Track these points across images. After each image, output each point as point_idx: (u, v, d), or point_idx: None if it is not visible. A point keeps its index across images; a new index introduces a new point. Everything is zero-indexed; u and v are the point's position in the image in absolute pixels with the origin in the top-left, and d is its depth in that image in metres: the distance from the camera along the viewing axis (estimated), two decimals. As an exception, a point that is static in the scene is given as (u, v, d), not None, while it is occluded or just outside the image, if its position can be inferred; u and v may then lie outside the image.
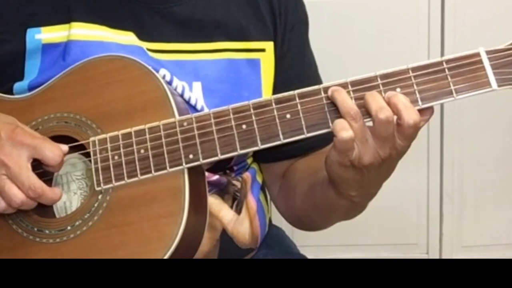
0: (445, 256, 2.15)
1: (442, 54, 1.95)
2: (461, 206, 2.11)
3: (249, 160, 1.22)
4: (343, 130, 0.90)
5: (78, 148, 1.01)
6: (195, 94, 1.10)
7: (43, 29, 1.09)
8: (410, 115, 0.89)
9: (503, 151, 2.07)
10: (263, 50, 1.15)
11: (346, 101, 0.91)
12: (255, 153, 1.20)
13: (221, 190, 1.14)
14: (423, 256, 2.15)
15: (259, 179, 1.24)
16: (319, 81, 1.21)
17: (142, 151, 0.97)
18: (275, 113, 0.94)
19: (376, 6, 2.00)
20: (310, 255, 1.28)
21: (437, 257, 2.15)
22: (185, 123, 0.96)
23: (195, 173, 0.97)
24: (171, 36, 1.11)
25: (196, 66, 1.11)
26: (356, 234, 2.10)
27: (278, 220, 1.98)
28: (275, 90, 1.15)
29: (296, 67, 1.18)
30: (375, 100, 0.90)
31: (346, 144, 0.90)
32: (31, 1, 1.10)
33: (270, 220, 1.29)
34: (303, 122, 0.93)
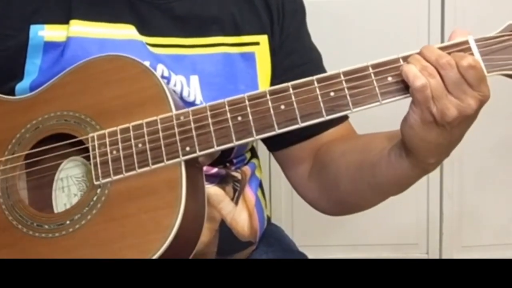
0: (445, 256, 2.15)
1: (442, 54, 1.95)
2: (461, 206, 2.12)
3: (248, 155, 1.23)
4: (417, 78, 0.91)
5: (77, 145, 1.02)
6: (193, 87, 1.11)
7: (46, 26, 1.10)
8: (462, 58, 0.90)
9: (503, 151, 2.07)
10: (257, 43, 1.17)
11: (424, 62, 0.92)
12: (269, 143, 1.22)
13: (222, 182, 1.15)
14: (423, 256, 2.15)
15: (258, 174, 1.25)
16: (321, 65, 1.22)
17: (140, 145, 0.98)
18: (270, 104, 0.96)
19: (376, 6, 2.01)
20: (310, 255, 1.28)
21: (437, 257, 2.15)
22: (181, 117, 0.98)
23: (193, 167, 0.98)
24: (169, 30, 1.13)
25: (194, 60, 1.13)
26: (356, 234, 2.10)
27: (278, 219, 1.98)
28: (279, 78, 1.15)
29: (297, 52, 1.19)
30: (432, 52, 0.92)
31: (423, 90, 0.91)
32: None
33: (269, 218, 1.30)
34: (297, 112, 0.95)
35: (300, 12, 1.22)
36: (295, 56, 1.19)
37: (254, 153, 1.26)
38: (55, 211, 1.02)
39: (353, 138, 1.17)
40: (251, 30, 1.17)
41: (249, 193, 1.20)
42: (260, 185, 1.25)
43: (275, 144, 1.20)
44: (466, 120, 0.93)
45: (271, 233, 1.28)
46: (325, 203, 1.18)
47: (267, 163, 1.90)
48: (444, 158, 1.00)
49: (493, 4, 1.97)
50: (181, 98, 1.09)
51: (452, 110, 0.91)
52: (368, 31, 1.99)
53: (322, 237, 2.10)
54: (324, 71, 1.19)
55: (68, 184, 1.04)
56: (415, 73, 0.91)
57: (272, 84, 1.16)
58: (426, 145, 0.95)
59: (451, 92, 0.91)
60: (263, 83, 1.16)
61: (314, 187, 1.18)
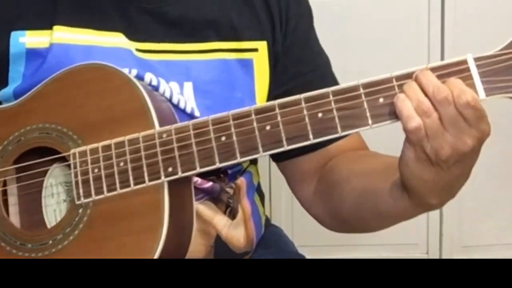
0: (445, 256, 2.15)
1: (442, 54, 1.95)
2: (461, 206, 2.11)
3: (245, 164, 1.19)
4: (411, 119, 0.86)
5: (60, 160, 1.00)
6: (186, 95, 1.08)
7: (27, 32, 1.07)
8: (460, 95, 0.85)
9: (503, 151, 2.07)
10: (255, 50, 1.13)
11: (420, 97, 0.87)
12: (272, 154, 1.18)
13: (214, 198, 1.12)
14: (423, 256, 2.15)
15: (255, 181, 1.22)
16: (328, 72, 1.19)
17: (121, 164, 0.96)
18: (255, 124, 0.92)
19: (376, 7, 2.00)
20: (310, 255, 1.28)
21: (437, 257, 2.15)
22: (164, 135, 0.95)
23: (178, 185, 0.96)
24: (162, 36, 1.09)
25: (188, 66, 1.09)
26: (356, 234, 2.10)
27: (278, 219, 1.98)
28: (283, 86, 1.13)
29: (305, 59, 1.16)
30: (429, 80, 0.86)
31: (417, 133, 0.86)
32: (17, 3, 1.08)
33: (268, 220, 1.28)
34: (283, 134, 0.91)
35: (307, 16, 1.18)
36: (302, 64, 1.15)
37: (252, 160, 1.21)
38: (45, 215, 1.01)
39: (360, 157, 1.13)
40: (250, 35, 1.12)
41: (246, 203, 1.17)
42: (257, 189, 1.23)
43: (279, 155, 1.14)
44: (463, 158, 0.88)
45: (270, 235, 1.26)
46: (329, 221, 1.15)
47: (267, 163, 1.90)
48: (449, 198, 0.95)
49: (493, 5, 1.97)
50: (170, 102, 1.05)
51: (447, 148, 0.86)
52: (368, 32, 1.99)
53: (322, 237, 2.08)
54: (331, 77, 1.16)
55: (58, 189, 1.02)
56: (408, 113, 0.86)
57: (270, 92, 1.13)
58: (424, 184, 0.90)
59: (447, 129, 0.86)
60: (260, 91, 1.13)
61: (319, 205, 1.15)
